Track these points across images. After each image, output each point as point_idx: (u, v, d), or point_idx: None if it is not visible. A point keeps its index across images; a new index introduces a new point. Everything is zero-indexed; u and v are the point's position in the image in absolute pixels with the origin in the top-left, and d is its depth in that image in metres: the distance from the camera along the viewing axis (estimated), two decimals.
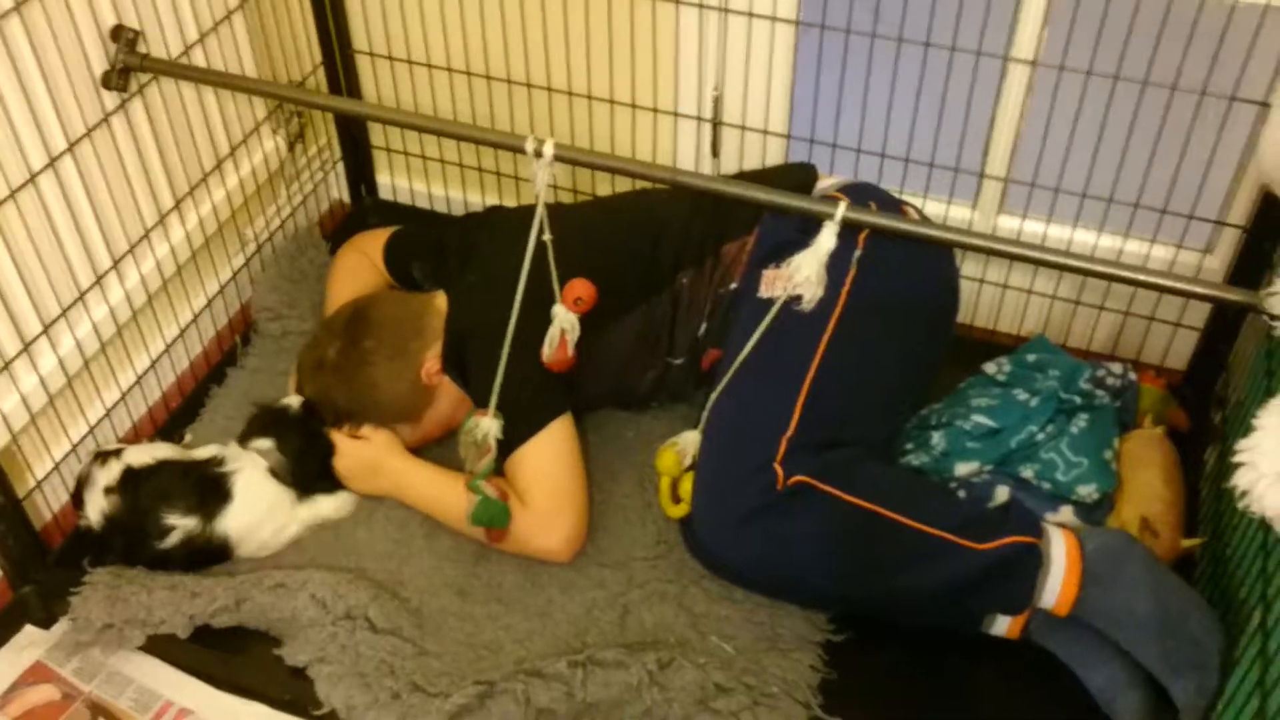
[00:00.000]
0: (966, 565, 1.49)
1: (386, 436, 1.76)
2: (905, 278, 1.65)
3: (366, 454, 1.75)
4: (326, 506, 1.76)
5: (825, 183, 1.77)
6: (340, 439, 1.75)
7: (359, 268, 2.01)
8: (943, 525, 1.50)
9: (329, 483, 1.76)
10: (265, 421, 1.74)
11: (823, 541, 1.50)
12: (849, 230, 1.54)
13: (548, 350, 1.64)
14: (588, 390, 1.78)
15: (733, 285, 1.72)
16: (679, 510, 1.68)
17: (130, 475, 1.67)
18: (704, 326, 1.75)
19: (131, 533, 1.66)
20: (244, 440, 1.73)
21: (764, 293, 1.65)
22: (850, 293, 1.60)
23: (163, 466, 1.70)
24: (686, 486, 1.65)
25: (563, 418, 1.70)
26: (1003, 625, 1.56)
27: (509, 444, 1.67)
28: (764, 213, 1.70)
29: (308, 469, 1.73)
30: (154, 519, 1.65)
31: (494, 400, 1.64)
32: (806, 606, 1.63)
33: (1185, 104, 1.66)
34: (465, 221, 1.98)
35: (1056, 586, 1.48)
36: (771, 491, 1.49)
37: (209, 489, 1.67)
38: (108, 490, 1.66)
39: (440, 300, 1.81)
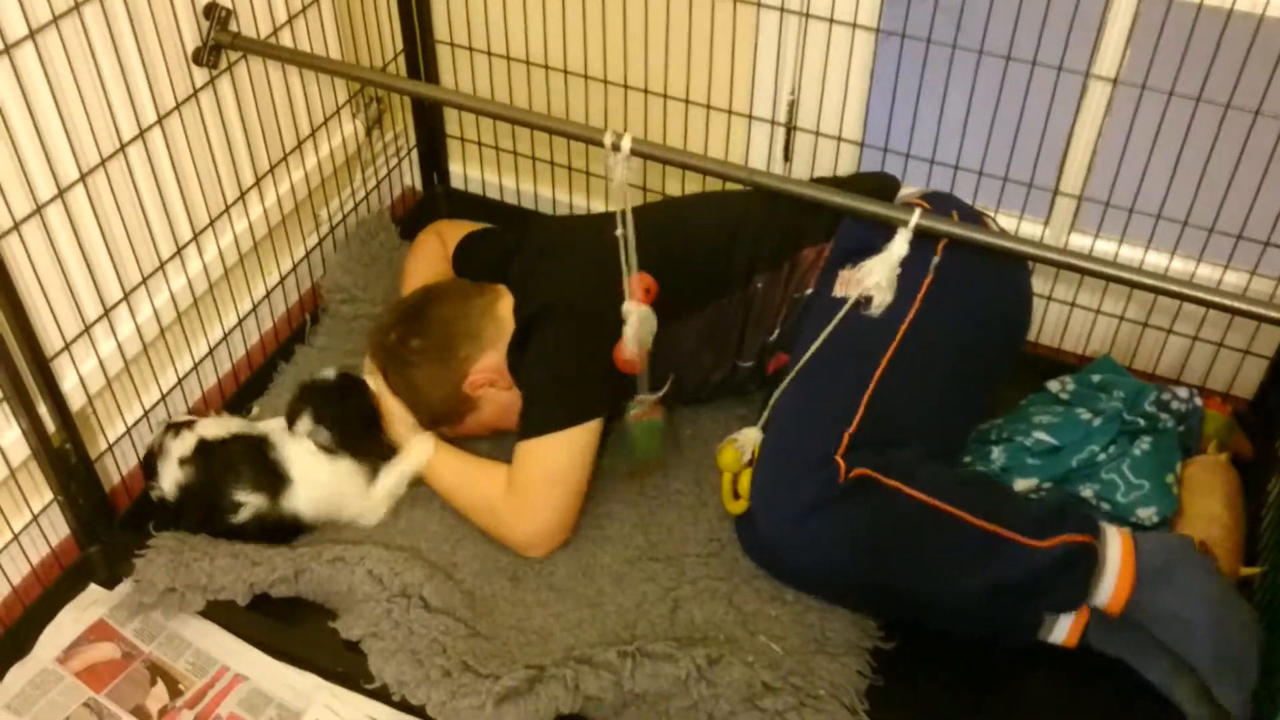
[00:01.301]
0: (1026, 562, 1.49)
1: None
2: (981, 289, 1.65)
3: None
4: (405, 463, 1.76)
5: (907, 191, 1.77)
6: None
7: (434, 253, 2.04)
8: (1003, 522, 1.50)
9: (380, 445, 1.76)
10: (303, 398, 1.75)
11: (883, 535, 1.50)
12: (929, 238, 1.54)
13: (631, 350, 1.63)
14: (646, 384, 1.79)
15: (808, 291, 1.71)
16: (739, 506, 1.68)
17: (204, 447, 1.71)
18: (776, 331, 1.75)
19: (206, 505, 1.69)
20: (290, 421, 1.75)
21: (838, 291, 1.65)
22: (925, 298, 1.60)
23: (235, 440, 1.73)
24: (745, 483, 1.66)
25: (593, 423, 1.69)
26: (1061, 632, 1.56)
27: (530, 428, 1.68)
28: (842, 219, 1.70)
29: (351, 435, 1.73)
30: (226, 494, 1.68)
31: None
32: (860, 610, 1.63)
33: (1267, 129, 1.64)
34: (541, 226, 1.98)
35: (1110, 586, 1.50)
36: (833, 485, 1.50)
37: (272, 469, 1.70)
38: (182, 461, 1.69)
39: (504, 306, 1.79)
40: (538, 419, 1.68)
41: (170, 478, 1.69)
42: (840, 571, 1.55)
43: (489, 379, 1.76)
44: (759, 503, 1.58)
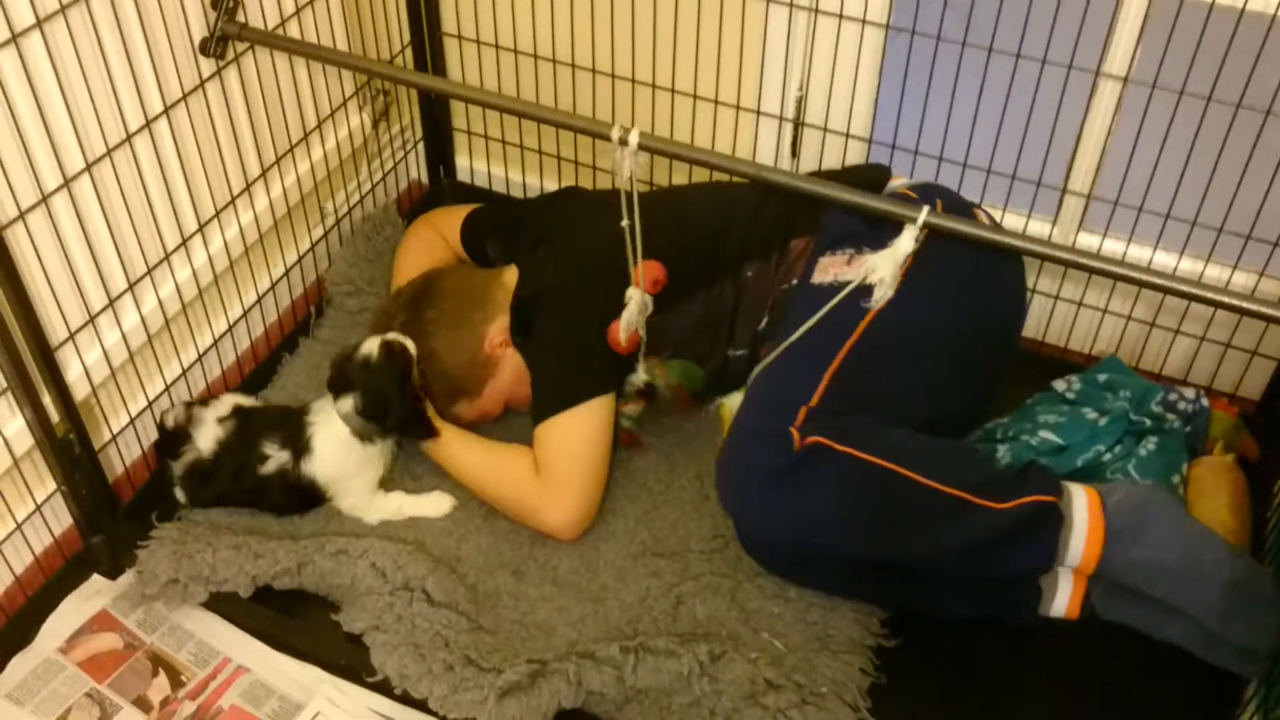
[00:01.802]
0: (985, 524, 1.48)
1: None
2: (963, 277, 1.64)
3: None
4: (422, 506, 1.78)
5: (895, 183, 1.77)
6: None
7: (430, 243, 2.06)
8: (960, 484, 1.49)
9: (421, 427, 1.76)
10: (343, 374, 1.74)
11: (839, 501, 1.49)
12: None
13: (624, 335, 1.67)
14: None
15: (794, 281, 1.73)
16: None
17: (239, 410, 1.75)
18: (765, 320, 1.76)
19: (238, 460, 1.71)
20: (334, 394, 1.75)
21: (816, 278, 1.66)
22: (900, 283, 1.59)
23: (267, 407, 1.81)
24: None
25: (605, 397, 1.72)
26: (1061, 603, 1.56)
27: (545, 409, 1.71)
28: (828, 211, 1.71)
29: (387, 415, 1.72)
30: (257, 447, 1.71)
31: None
32: (849, 594, 1.63)
33: (1277, 129, 1.64)
34: (541, 200, 2.04)
35: (1080, 544, 1.49)
36: (788, 453, 1.49)
37: (298, 433, 1.72)
38: (221, 420, 1.72)
39: (509, 275, 1.84)
40: (550, 399, 1.71)
41: (209, 435, 1.71)
42: (802, 542, 1.54)
43: (505, 339, 1.79)
44: (719, 477, 1.59)
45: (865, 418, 1.53)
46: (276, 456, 1.71)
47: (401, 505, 1.77)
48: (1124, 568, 1.49)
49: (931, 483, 1.49)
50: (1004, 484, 1.51)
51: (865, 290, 1.59)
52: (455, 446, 1.77)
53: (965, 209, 1.72)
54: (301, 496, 1.74)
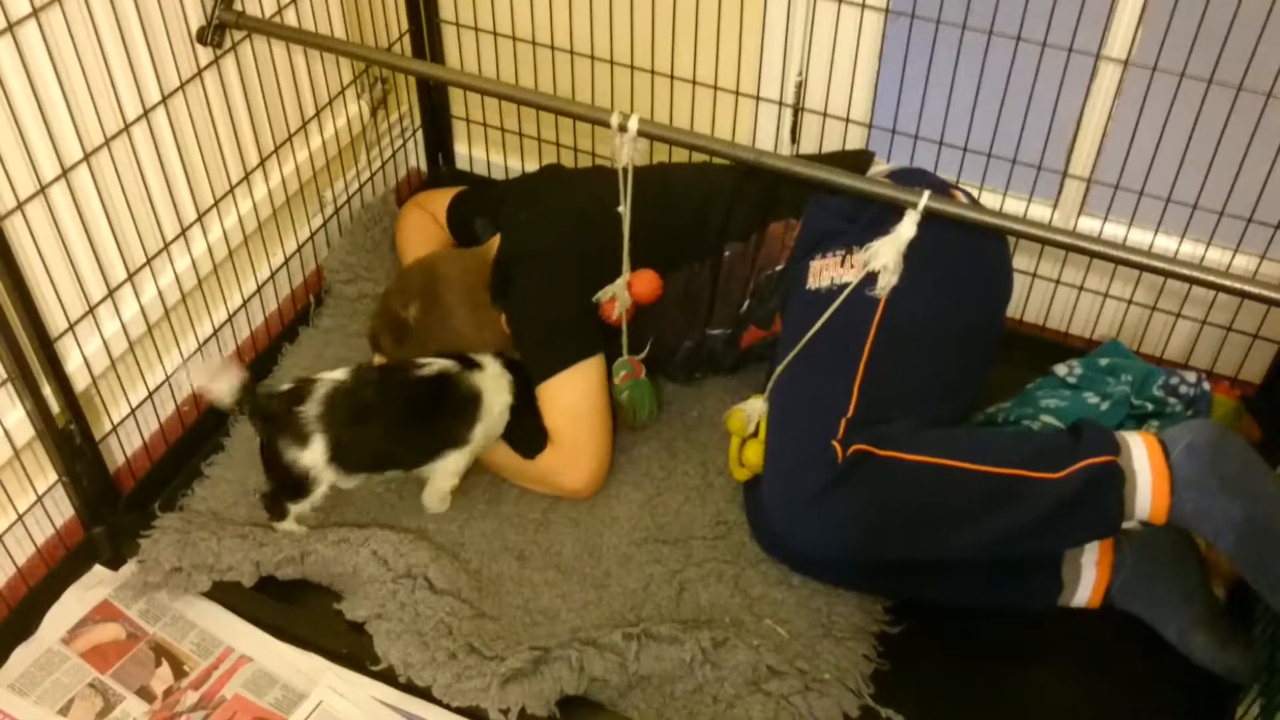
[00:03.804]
0: (1046, 497, 1.44)
1: None
2: (956, 259, 1.63)
3: None
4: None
5: (877, 168, 1.77)
6: None
7: (425, 224, 2.09)
8: (1012, 463, 1.46)
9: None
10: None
11: (892, 504, 1.48)
12: (897, 216, 1.55)
13: (616, 313, 1.73)
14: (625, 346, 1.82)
15: (778, 268, 1.73)
16: (743, 474, 1.72)
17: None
18: (746, 304, 1.77)
19: (390, 371, 1.70)
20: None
21: (811, 284, 1.66)
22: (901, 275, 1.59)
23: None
24: (749, 453, 1.69)
25: (595, 357, 1.75)
26: (1085, 593, 1.56)
27: (538, 374, 1.73)
28: (810, 199, 1.71)
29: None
30: (412, 362, 1.69)
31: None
32: (876, 590, 1.63)
33: (1278, 110, 1.63)
34: (523, 176, 2.07)
35: (1147, 498, 1.43)
36: (834, 467, 1.48)
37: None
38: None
39: (496, 245, 1.86)
40: (541, 363, 1.75)
41: (332, 375, 1.65)
42: (861, 549, 1.52)
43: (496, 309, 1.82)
44: (771, 501, 1.56)
45: (901, 424, 1.52)
46: (439, 362, 1.69)
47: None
48: (1196, 515, 1.42)
49: (981, 467, 1.47)
50: (1057, 452, 1.47)
51: (868, 281, 1.58)
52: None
53: (944, 190, 1.71)
54: (458, 404, 1.68)
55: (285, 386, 1.65)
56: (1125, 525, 1.47)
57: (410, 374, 1.68)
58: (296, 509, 1.68)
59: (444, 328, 1.79)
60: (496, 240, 1.87)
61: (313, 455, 1.61)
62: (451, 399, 1.69)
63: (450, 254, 1.95)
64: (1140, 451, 1.45)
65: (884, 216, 1.58)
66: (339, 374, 1.65)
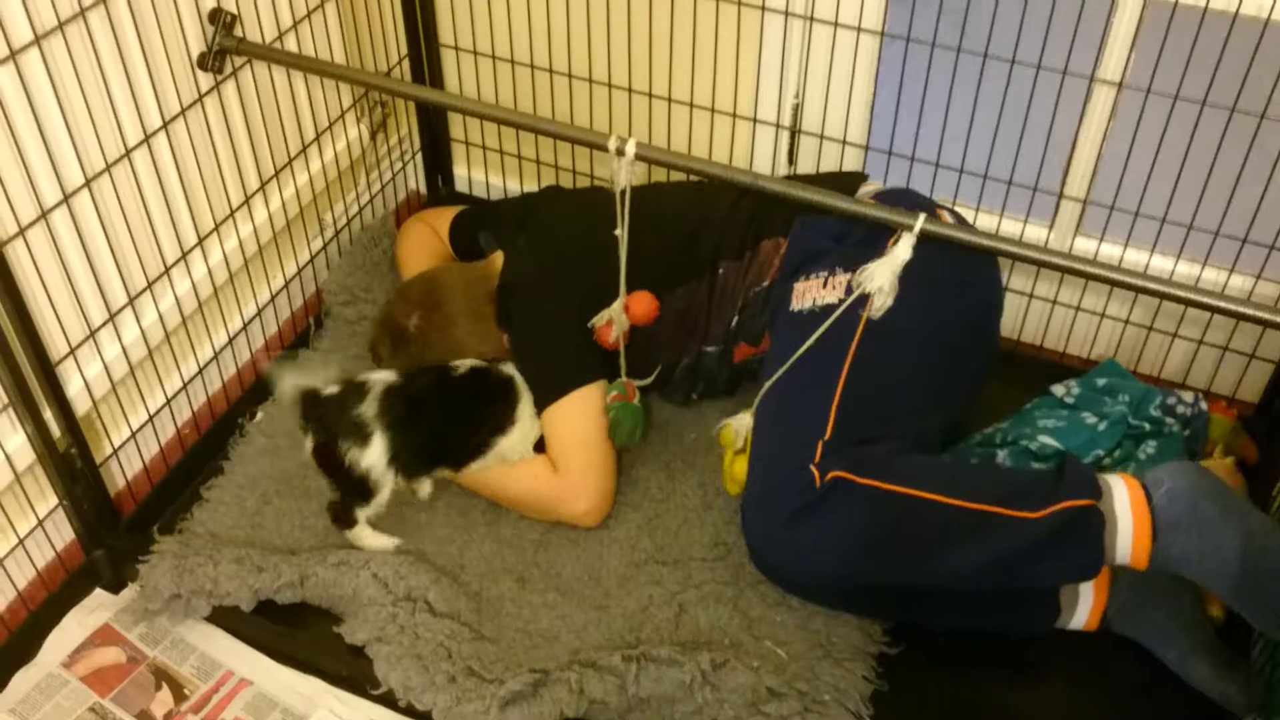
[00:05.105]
0: (1023, 536, 1.44)
1: None
2: (939, 279, 1.63)
3: None
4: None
5: (866, 188, 1.78)
6: None
7: (427, 238, 2.11)
8: (989, 499, 1.46)
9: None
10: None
11: (866, 533, 1.49)
12: (883, 236, 1.57)
13: (613, 337, 1.74)
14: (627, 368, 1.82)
15: (765, 284, 1.74)
16: (734, 488, 1.76)
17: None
18: (735, 319, 1.79)
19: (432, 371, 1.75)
20: None
21: (795, 305, 1.67)
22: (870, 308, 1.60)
23: None
24: (737, 468, 1.71)
25: (596, 383, 1.75)
26: (1081, 617, 1.56)
27: (540, 402, 1.75)
28: (796, 218, 1.73)
29: None
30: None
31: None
32: (870, 615, 1.63)
33: (1272, 132, 1.64)
34: (526, 197, 2.08)
35: (1128, 543, 1.43)
36: (810, 491, 1.49)
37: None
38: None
39: (499, 261, 1.88)
40: (542, 391, 1.75)
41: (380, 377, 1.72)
42: (836, 576, 1.53)
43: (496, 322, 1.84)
44: (748, 520, 1.58)
45: (881, 446, 1.53)
46: (471, 362, 1.76)
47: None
48: (1180, 560, 1.42)
49: (956, 501, 1.47)
50: (1037, 491, 1.47)
51: (860, 302, 1.59)
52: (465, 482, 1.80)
53: (930, 210, 1.71)
54: (493, 392, 1.75)
55: (335, 389, 1.69)
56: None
57: (450, 373, 1.75)
58: (365, 513, 1.69)
59: (444, 337, 1.80)
60: (498, 256, 1.88)
61: (373, 455, 1.65)
62: (491, 387, 1.75)
63: (452, 266, 1.97)
64: (1122, 495, 1.45)
65: (871, 237, 1.60)
66: (389, 375, 1.71)
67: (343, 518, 1.70)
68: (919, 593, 1.57)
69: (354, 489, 1.67)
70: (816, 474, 1.50)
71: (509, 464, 1.76)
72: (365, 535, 1.71)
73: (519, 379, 1.77)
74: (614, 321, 1.75)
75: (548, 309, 1.78)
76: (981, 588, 1.52)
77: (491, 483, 1.78)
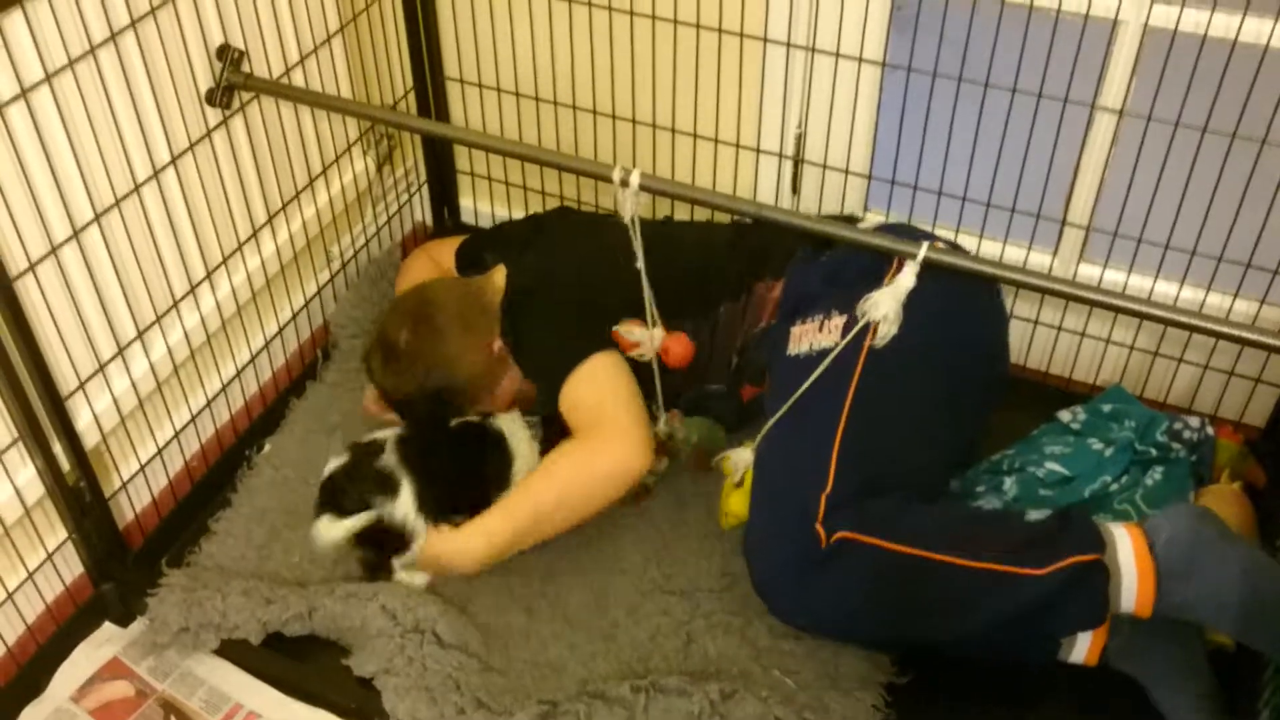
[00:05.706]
0: (1028, 593, 1.44)
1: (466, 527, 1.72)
2: (937, 315, 1.62)
3: (461, 536, 1.70)
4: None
5: (863, 225, 1.78)
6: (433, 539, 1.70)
7: (429, 270, 2.10)
8: (995, 558, 1.46)
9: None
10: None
11: (872, 594, 1.49)
12: (875, 274, 1.59)
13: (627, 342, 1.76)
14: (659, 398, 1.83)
15: (761, 325, 1.76)
16: (726, 521, 1.77)
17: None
18: (735, 360, 1.80)
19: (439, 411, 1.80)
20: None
21: (792, 349, 1.68)
22: (874, 336, 1.60)
23: None
24: (733, 503, 1.73)
25: (605, 351, 1.74)
26: (1081, 651, 1.55)
27: (556, 378, 1.73)
28: (792, 261, 1.75)
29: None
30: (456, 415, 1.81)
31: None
32: (872, 649, 1.63)
33: (1273, 157, 1.65)
34: (534, 217, 2.09)
35: (1132, 594, 1.44)
36: (815, 550, 1.49)
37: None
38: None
39: (499, 275, 1.88)
40: (554, 373, 1.73)
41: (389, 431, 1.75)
42: (841, 631, 1.57)
43: (505, 346, 1.83)
44: (750, 556, 1.59)
45: (886, 499, 1.52)
46: (474, 416, 1.80)
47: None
48: (1183, 607, 1.44)
49: (963, 561, 1.46)
50: (1041, 545, 1.47)
51: (859, 338, 1.59)
52: (498, 514, 1.71)
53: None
54: (487, 447, 1.76)
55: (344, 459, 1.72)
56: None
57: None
58: (401, 561, 1.70)
59: (434, 350, 1.78)
60: (498, 271, 1.89)
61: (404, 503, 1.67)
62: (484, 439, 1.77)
63: (446, 280, 1.96)
64: (1126, 547, 1.46)
65: (864, 277, 1.60)
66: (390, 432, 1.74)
67: (376, 571, 1.72)
68: (923, 643, 1.57)
69: (393, 544, 1.69)
70: (822, 533, 1.49)
71: (535, 474, 1.74)
72: (401, 576, 1.72)
73: (507, 430, 1.78)
74: (641, 345, 1.74)
75: (551, 309, 1.80)
76: (993, 640, 1.53)
77: (534, 487, 1.70)
